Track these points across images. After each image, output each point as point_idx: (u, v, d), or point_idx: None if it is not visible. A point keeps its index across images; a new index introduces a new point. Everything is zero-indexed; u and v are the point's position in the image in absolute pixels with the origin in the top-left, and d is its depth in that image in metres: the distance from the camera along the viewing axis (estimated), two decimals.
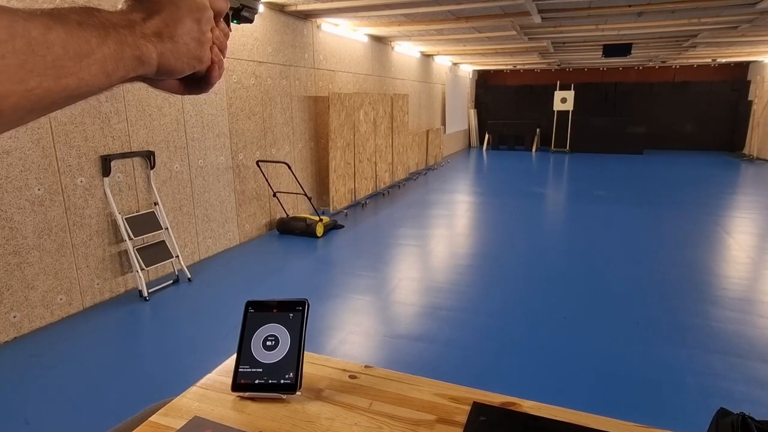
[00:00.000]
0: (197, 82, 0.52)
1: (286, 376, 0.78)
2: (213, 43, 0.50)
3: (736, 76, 12.52)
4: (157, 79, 0.47)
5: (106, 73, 0.39)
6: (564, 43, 8.33)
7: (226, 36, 0.53)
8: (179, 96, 3.94)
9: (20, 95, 0.33)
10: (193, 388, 0.81)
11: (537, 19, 5.65)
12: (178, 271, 3.85)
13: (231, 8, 0.55)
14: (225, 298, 3.53)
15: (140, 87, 3.58)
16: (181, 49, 0.46)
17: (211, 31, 0.50)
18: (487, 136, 13.68)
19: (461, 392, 0.78)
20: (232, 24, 0.57)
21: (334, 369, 0.86)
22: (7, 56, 0.31)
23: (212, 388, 0.81)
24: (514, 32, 6.71)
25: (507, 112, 14.30)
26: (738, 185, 8.24)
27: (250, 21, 0.59)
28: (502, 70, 14.55)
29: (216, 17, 0.54)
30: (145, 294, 3.42)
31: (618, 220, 5.71)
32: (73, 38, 0.36)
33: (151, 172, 3.71)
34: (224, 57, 0.53)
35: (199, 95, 0.54)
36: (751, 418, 0.65)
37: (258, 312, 0.84)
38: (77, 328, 3.04)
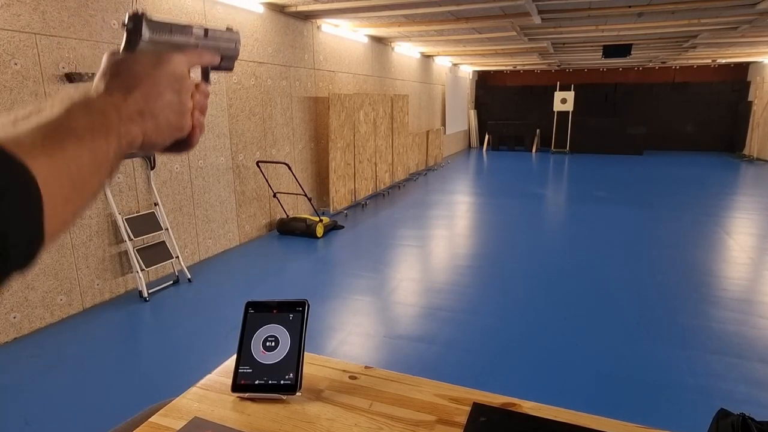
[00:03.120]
0: (178, 144, 0.51)
1: (286, 377, 0.78)
2: (194, 107, 0.49)
3: (736, 77, 12.52)
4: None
5: (110, 171, 0.39)
6: (564, 43, 8.33)
7: (207, 96, 0.52)
8: None
9: (65, 222, 0.35)
10: (193, 389, 0.81)
11: (537, 19, 5.65)
12: (178, 271, 3.84)
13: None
14: (225, 298, 3.53)
15: None
16: (162, 124, 0.45)
17: (192, 96, 0.48)
18: (487, 136, 13.68)
19: (461, 393, 0.78)
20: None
21: (334, 370, 0.86)
22: (69, 198, 0.34)
23: (212, 388, 0.81)
24: (514, 33, 6.71)
25: (507, 112, 14.30)
26: (738, 186, 8.24)
27: (230, 69, 0.58)
28: (502, 71, 14.55)
29: (203, 72, 0.53)
30: (145, 294, 3.42)
31: (618, 220, 5.70)
32: (93, 153, 0.37)
33: (151, 172, 3.71)
34: (204, 117, 0.52)
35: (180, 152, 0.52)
36: (752, 419, 0.65)
37: (258, 313, 0.84)
38: (77, 328, 3.04)
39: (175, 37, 0.49)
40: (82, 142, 0.36)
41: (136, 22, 0.45)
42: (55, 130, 0.35)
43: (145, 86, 0.43)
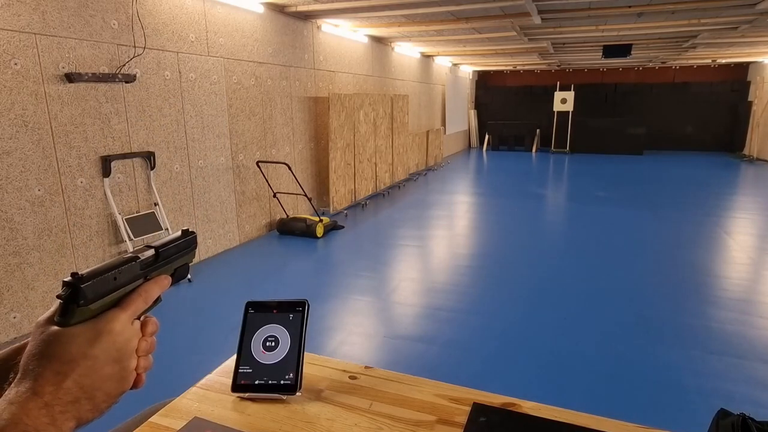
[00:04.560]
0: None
1: (286, 377, 0.78)
2: (139, 357, 0.45)
3: (735, 77, 12.51)
4: None
5: None
6: (564, 43, 8.33)
7: (155, 331, 0.47)
8: (179, 96, 3.94)
9: None
10: (193, 389, 0.81)
11: (537, 20, 5.65)
12: None
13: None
14: (225, 298, 3.53)
15: (140, 88, 3.58)
16: (99, 400, 0.41)
17: (137, 349, 0.44)
18: (487, 136, 13.67)
19: (461, 393, 0.78)
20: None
21: (334, 370, 0.86)
22: None
23: (212, 388, 0.81)
24: (514, 33, 6.71)
25: (507, 112, 14.30)
26: (738, 186, 8.24)
27: (184, 278, 0.56)
28: (502, 71, 14.55)
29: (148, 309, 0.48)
30: None
31: (618, 220, 5.70)
32: None
33: (152, 172, 3.71)
34: (154, 350, 0.47)
35: None
36: (752, 419, 0.65)
37: (258, 313, 0.84)
38: None
39: (121, 281, 0.44)
40: None
41: (72, 290, 0.40)
42: None
43: (81, 369, 0.39)
